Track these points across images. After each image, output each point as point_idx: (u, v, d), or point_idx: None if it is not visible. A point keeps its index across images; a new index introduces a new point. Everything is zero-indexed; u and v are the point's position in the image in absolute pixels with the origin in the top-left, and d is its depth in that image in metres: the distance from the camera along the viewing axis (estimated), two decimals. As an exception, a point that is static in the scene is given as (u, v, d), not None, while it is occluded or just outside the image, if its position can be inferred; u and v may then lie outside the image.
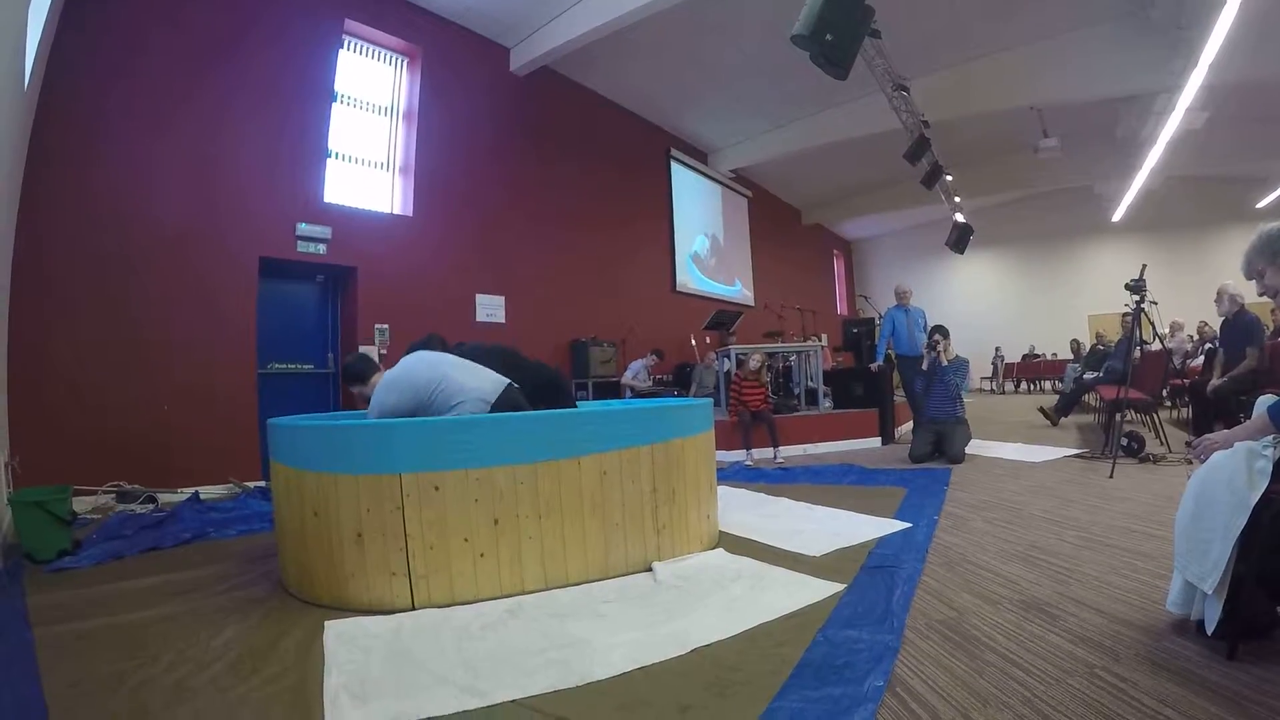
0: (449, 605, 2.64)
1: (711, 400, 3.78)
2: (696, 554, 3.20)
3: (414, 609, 2.61)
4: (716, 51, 9.22)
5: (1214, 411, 5.52)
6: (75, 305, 4.89)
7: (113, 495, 4.67)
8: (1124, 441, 5.35)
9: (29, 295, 4.54)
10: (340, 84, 6.84)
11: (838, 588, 2.66)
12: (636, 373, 9.06)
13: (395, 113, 7.51)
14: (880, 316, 11.48)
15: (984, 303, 19.44)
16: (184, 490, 5.05)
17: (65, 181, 4.88)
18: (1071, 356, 14.56)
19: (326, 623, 2.49)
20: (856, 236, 21.70)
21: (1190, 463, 4.97)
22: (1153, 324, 5.90)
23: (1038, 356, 17.62)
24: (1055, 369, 16.32)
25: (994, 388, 18.37)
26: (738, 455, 6.58)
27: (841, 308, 20.70)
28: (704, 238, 13.08)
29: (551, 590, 2.79)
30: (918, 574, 2.79)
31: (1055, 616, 2.25)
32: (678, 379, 10.33)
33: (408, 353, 3.44)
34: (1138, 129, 10.57)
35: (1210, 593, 1.86)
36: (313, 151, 6.44)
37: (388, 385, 3.14)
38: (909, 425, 8.34)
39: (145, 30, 5.34)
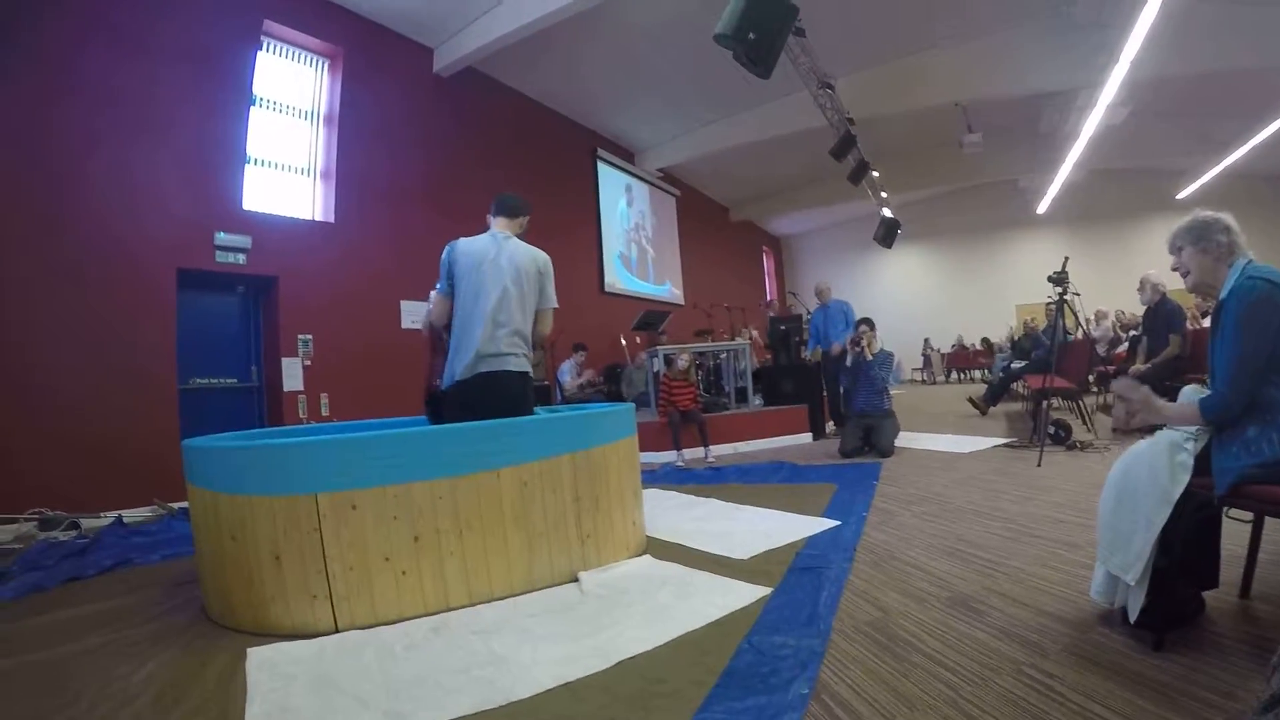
0: (373, 626, 2.65)
1: (634, 406, 3.80)
2: (623, 562, 3.26)
3: (337, 631, 2.61)
4: (642, 51, 9.30)
5: None
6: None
7: (35, 523, 4.47)
8: (1051, 430, 5.55)
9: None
10: (259, 87, 6.63)
11: (764, 591, 2.72)
12: (569, 372, 9.10)
13: (316, 116, 7.33)
14: (808, 312, 11.82)
15: (914, 295, 20.13)
16: (107, 514, 4.87)
17: None
18: (981, 348, 15.21)
19: (249, 650, 2.47)
20: (786, 233, 22.16)
21: (1103, 449, 5.30)
22: (1075, 314, 6.18)
23: (966, 347, 18.31)
24: (984, 359, 16.96)
25: (925, 378, 19.05)
26: (669, 456, 6.68)
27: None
28: (629, 239, 13.13)
29: (476, 606, 2.82)
30: (845, 574, 2.86)
31: (981, 612, 2.31)
32: (608, 380, 10.40)
33: None
34: (1060, 124, 11.06)
35: (1133, 584, 1.90)
36: (231, 157, 6.25)
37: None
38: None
39: (51, 29, 5.08)
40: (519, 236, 3.39)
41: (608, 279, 12.08)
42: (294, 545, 2.61)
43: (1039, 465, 4.89)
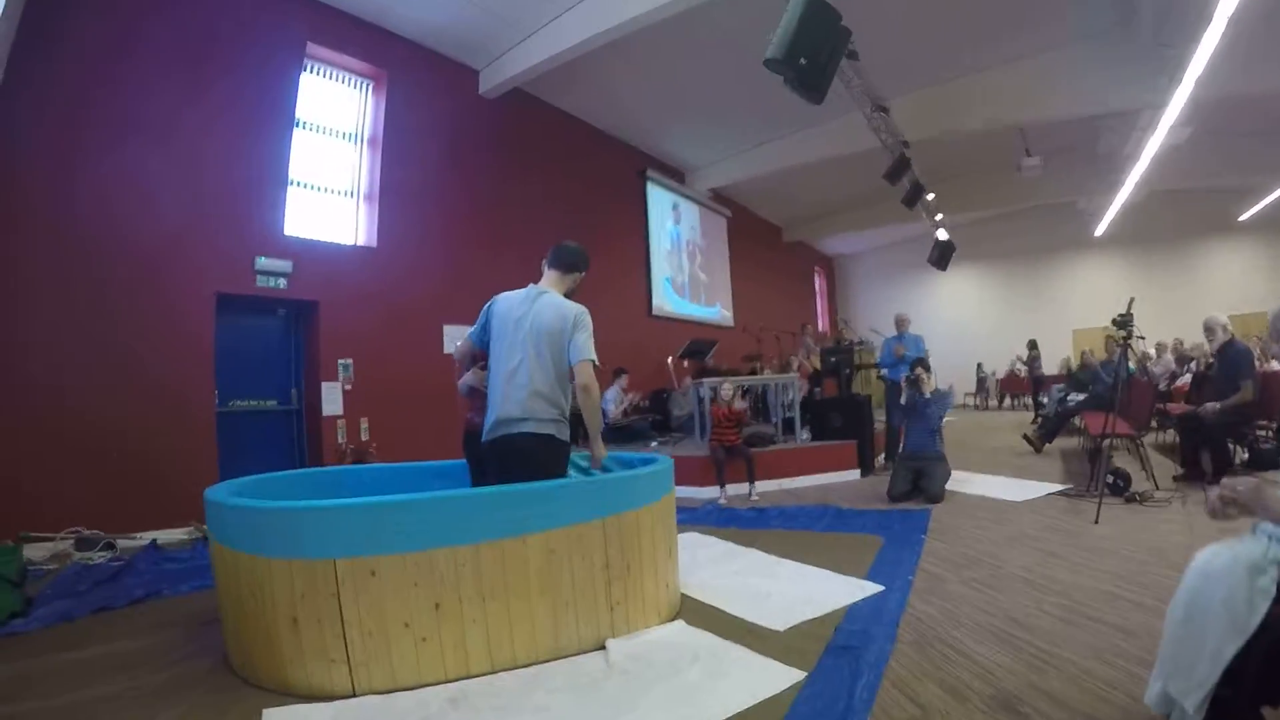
0: (390, 691, 2.56)
1: (672, 464, 3.60)
2: (654, 628, 3.11)
3: (355, 695, 2.53)
4: (692, 71, 9.17)
5: (1203, 441, 5.53)
6: (29, 345, 4.77)
7: (71, 542, 4.53)
8: (1109, 479, 5.28)
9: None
10: (302, 109, 6.70)
11: (798, 676, 2.55)
12: (613, 399, 8.98)
13: (360, 138, 7.38)
14: (858, 341, 11.56)
15: (967, 317, 19.54)
16: (143, 535, 4.93)
17: (29, 221, 4.78)
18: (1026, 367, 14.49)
19: (265, 711, 2.41)
20: (838, 252, 21.75)
21: (1177, 502, 4.97)
22: (1138, 355, 5.85)
23: (1018, 373, 17.55)
24: (1043, 386, 16.28)
25: (978, 403, 18.38)
26: (712, 492, 6.50)
27: (823, 324, 20.71)
28: (679, 260, 12.98)
29: (498, 673, 2.71)
30: (885, 657, 2.68)
31: (1025, 716, 2.14)
32: (654, 405, 10.27)
33: None
34: (1120, 145, 10.63)
35: (1191, 712, 1.72)
36: (273, 181, 6.32)
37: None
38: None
39: (101, 58, 5.20)
40: (571, 291, 3.29)
41: (655, 302, 11.95)
42: (311, 609, 2.53)
43: (1096, 522, 4.61)
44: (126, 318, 5.22)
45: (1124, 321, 5.08)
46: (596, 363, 2.98)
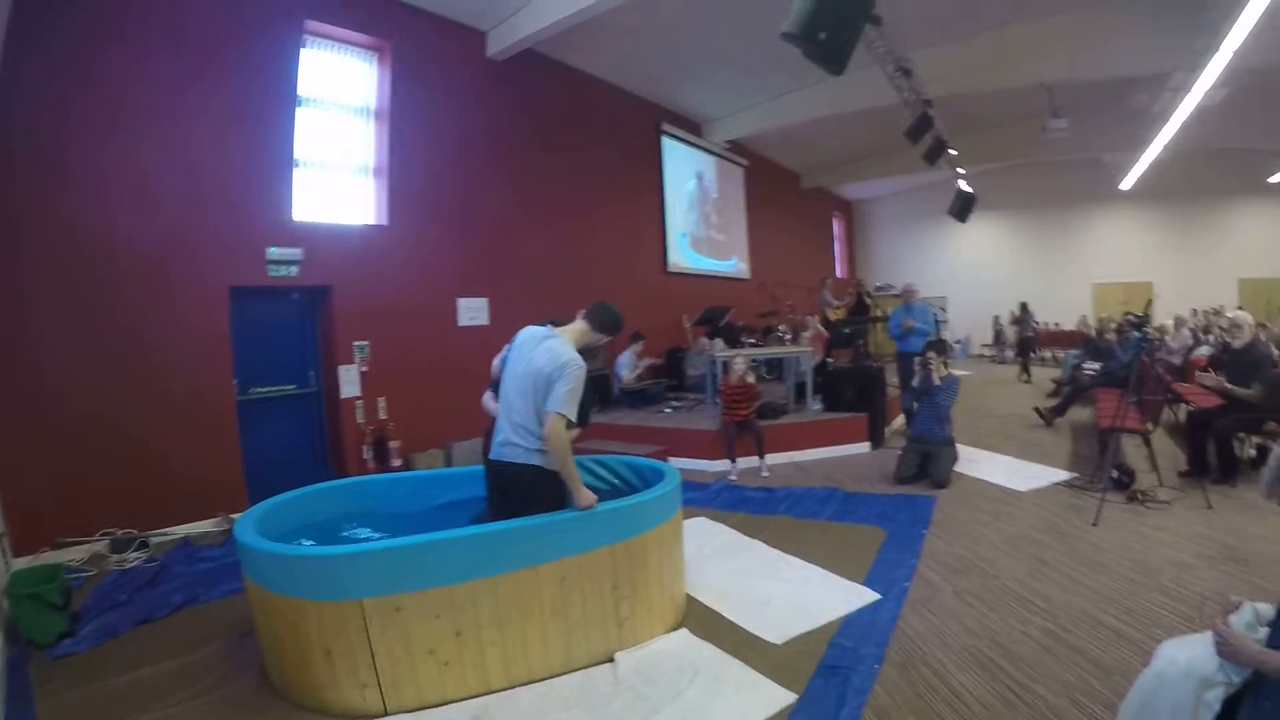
0: (418, 709, 2.81)
1: (679, 483, 3.68)
2: (659, 638, 3.33)
3: (386, 714, 2.78)
4: (709, 22, 8.80)
5: (1213, 444, 5.59)
6: (47, 344, 4.86)
7: (105, 543, 4.78)
8: (1114, 474, 5.35)
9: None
10: (306, 87, 6.59)
11: (789, 700, 2.76)
12: (626, 364, 9.11)
13: (367, 113, 7.27)
14: (869, 297, 11.52)
15: (986, 267, 19.18)
16: (174, 530, 5.17)
17: (29, 212, 4.80)
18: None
19: (305, 733, 2.65)
20: (858, 197, 21.28)
21: (1164, 503, 5.07)
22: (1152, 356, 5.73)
23: (1038, 324, 17.35)
24: (1058, 340, 16.21)
25: (995, 355, 18.25)
26: (723, 465, 6.67)
27: (841, 270, 20.49)
28: (696, 213, 12.82)
29: (515, 689, 2.94)
30: (872, 680, 2.86)
31: None
32: (669, 362, 10.38)
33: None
34: (1150, 104, 10.21)
35: None
36: (279, 166, 6.25)
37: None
38: (899, 421, 8.43)
39: (96, 48, 5.09)
40: (592, 347, 3.40)
41: (671, 258, 11.83)
42: (343, 644, 2.74)
43: (1095, 524, 4.70)
44: (142, 316, 5.28)
45: (1140, 322, 5.08)
46: (570, 418, 3.05)
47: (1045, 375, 13.05)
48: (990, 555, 4.29)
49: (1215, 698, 1.76)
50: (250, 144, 6.00)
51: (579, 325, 3.34)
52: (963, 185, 13.42)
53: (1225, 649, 1.76)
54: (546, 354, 3.11)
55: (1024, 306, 14.60)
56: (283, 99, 6.32)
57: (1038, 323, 17.01)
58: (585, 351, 3.27)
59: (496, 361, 3.63)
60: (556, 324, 3.39)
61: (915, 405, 6.32)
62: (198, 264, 5.61)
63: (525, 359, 3.18)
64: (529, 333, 3.31)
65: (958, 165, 12.62)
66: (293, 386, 6.48)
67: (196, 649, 3.39)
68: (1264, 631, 1.83)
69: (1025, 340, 14.29)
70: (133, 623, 3.69)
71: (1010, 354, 14.31)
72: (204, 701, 2.92)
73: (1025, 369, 13.67)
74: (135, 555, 4.69)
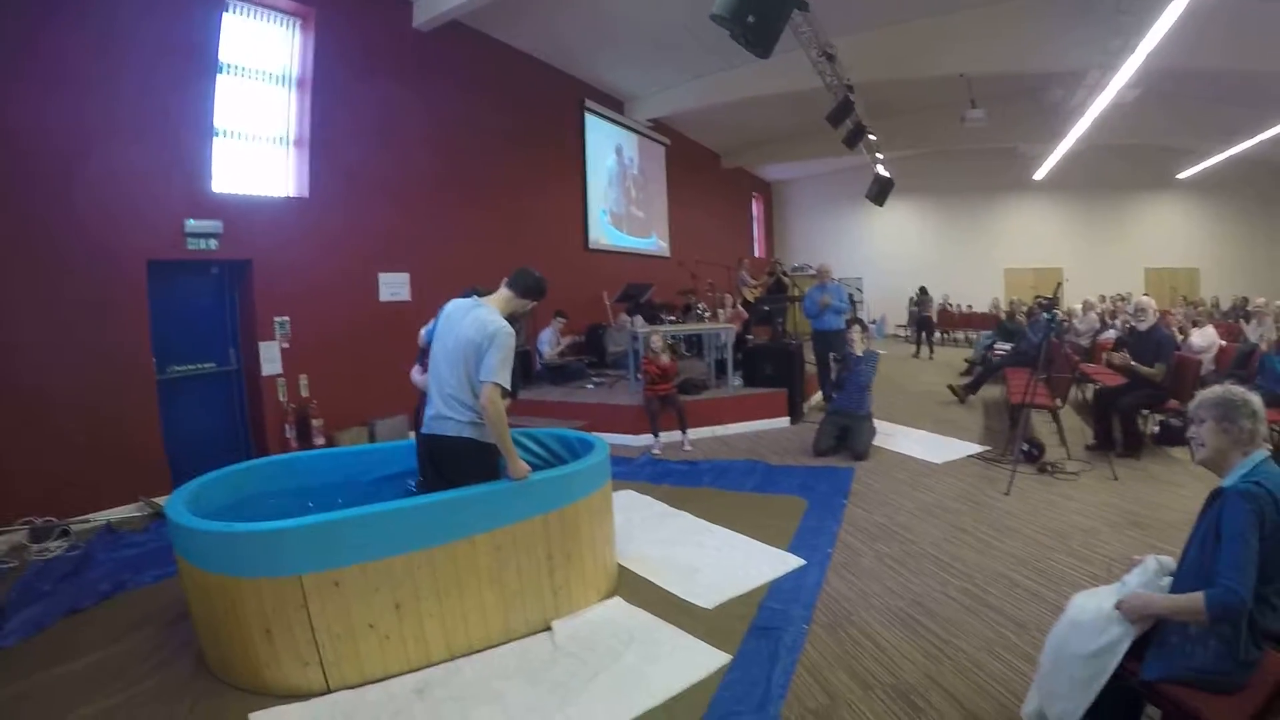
0: (361, 685, 2.88)
1: (609, 455, 3.82)
2: (594, 606, 3.49)
3: (329, 691, 2.84)
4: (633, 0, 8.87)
5: (1118, 418, 6.05)
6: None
7: (25, 533, 4.57)
8: (1024, 447, 5.71)
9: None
10: (226, 53, 6.29)
11: (723, 660, 2.95)
12: (548, 341, 9.16)
13: (289, 81, 7.01)
14: (785, 275, 11.91)
15: (903, 250, 19.93)
16: (95, 517, 4.99)
17: None
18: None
19: (250, 716, 2.69)
20: (777, 178, 21.73)
21: (1072, 475, 5.46)
22: (1060, 337, 6.10)
23: (951, 308, 18.17)
24: (971, 322, 17.11)
25: (909, 335, 19.07)
26: (647, 440, 6.85)
27: (760, 250, 20.93)
28: (616, 191, 12.88)
29: (456, 660, 3.06)
30: (801, 640, 3.08)
31: (920, 710, 2.53)
32: (589, 339, 10.48)
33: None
34: (1066, 99, 10.79)
35: None
36: (198, 135, 5.98)
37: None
38: (817, 397, 8.82)
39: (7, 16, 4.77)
40: (518, 313, 3.41)
41: (592, 235, 11.90)
42: (283, 620, 2.78)
43: (1007, 493, 5.05)
44: (55, 290, 5.03)
45: (1050, 304, 5.47)
46: (505, 386, 3.10)
47: (957, 355, 13.84)
48: (908, 522, 4.58)
49: (1118, 637, 1.98)
50: (168, 112, 5.72)
51: (503, 293, 3.37)
52: (881, 170, 13.93)
53: (1133, 612, 1.97)
54: (474, 324, 3.14)
55: (922, 290, 15.74)
56: (203, 65, 6.04)
57: (951, 305, 17.96)
58: (512, 319, 3.31)
59: (423, 332, 3.63)
60: (479, 292, 3.43)
61: (838, 381, 6.61)
62: (114, 237, 5.34)
63: (453, 331, 3.20)
64: (455, 304, 3.34)
65: (877, 150, 13.09)
66: (212, 364, 6.28)
67: (128, 636, 3.34)
68: (1167, 580, 2.09)
69: (923, 320, 15.39)
70: (60, 613, 3.58)
71: (925, 334, 15.23)
72: (142, 689, 2.89)
73: (922, 346, 14.98)
74: (57, 544, 4.51)
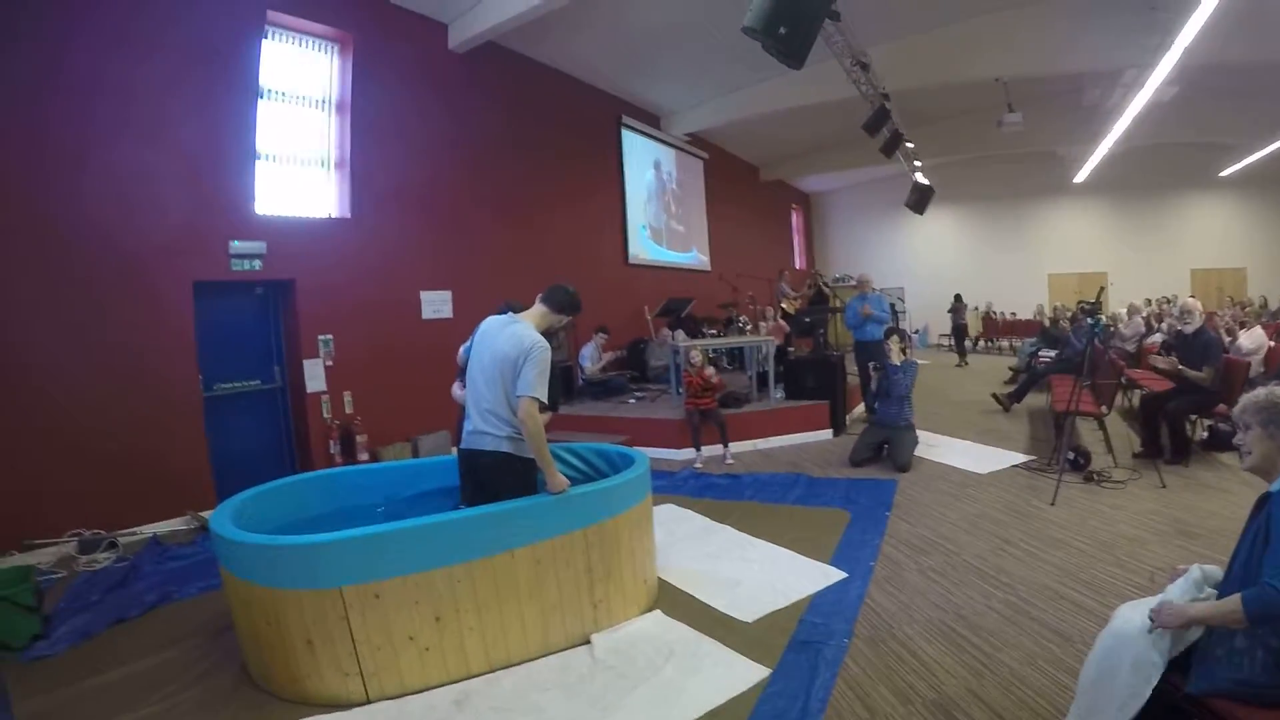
0: (401, 696, 2.86)
1: (649, 468, 3.77)
2: (634, 620, 3.43)
3: (369, 701, 2.83)
4: (669, 15, 8.91)
5: (1165, 424, 5.83)
6: (7, 345, 4.74)
7: (74, 545, 4.70)
8: (1070, 455, 5.54)
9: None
10: (268, 78, 6.50)
11: (763, 674, 2.87)
12: (589, 356, 9.18)
13: (328, 105, 7.20)
14: (828, 287, 11.78)
15: (943, 258, 19.62)
16: (143, 530, 5.11)
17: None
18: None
19: (290, 725, 2.69)
20: (816, 190, 21.62)
21: (1119, 483, 5.27)
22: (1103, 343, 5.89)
23: (994, 316, 17.79)
24: (1015, 330, 16.68)
25: (952, 345, 18.69)
26: (689, 454, 6.79)
27: (800, 262, 20.77)
28: (655, 206, 12.92)
29: (496, 672, 3.02)
30: (842, 654, 2.99)
31: None
32: (631, 354, 10.48)
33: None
34: (1104, 99, 10.59)
35: None
36: (241, 159, 6.17)
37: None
38: (860, 409, 8.66)
39: (63, 47, 4.99)
40: (554, 328, 3.43)
41: (632, 250, 11.93)
42: (324, 631, 2.78)
43: (1052, 503, 4.89)
44: (107, 314, 5.20)
45: (1093, 309, 5.31)
46: (543, 400, 3.10)
47: (1001, 363, 13.48)
48: (952, 534, 4.45)
49: (1166, 647, 1.88)
50: (212, 137, 5.93)
51: (538, 309, 3.38)
52: (919, 178, 13.75)
53: (1170, 622, 1.87)
54: (511, 340, 3.16)
55: (958, 298, 15.43)
56: (244, 91, 6.24)
57: (995, 312, 17.57)
58: (547, 334, 3.32)
59: (462, 351, 3.68)
60: (514, 308, 3.46)
61: (877, 394, 6.48)
62: (161, 259, 5.53)
63: (490, 347, 3.23)
64: (491, 321, 3.37)
65: (915, 158, 12.93)
66: (257, 382, 6.42)
67: (173, 646, 3.39)
68: (1210, 592, 1.97)
69: (959, 328, 15.21)
70: (107, 623, 3.66)
71: (948, 341, 15.07)
72: (185, 698, 2.92)
73: (961, 354, 14.82)
74: (105, 556, 4.63)
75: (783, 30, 5.37)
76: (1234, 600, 1.76)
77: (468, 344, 3.56)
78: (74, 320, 5.06)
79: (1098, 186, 16.98)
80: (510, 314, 3.36)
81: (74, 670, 3.20)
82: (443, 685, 2.92)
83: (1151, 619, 1.91)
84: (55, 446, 4.86)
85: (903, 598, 3.56)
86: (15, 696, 2.99)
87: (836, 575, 3.85)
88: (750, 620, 3.38)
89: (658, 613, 3.53)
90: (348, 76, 7.22)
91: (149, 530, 5.13)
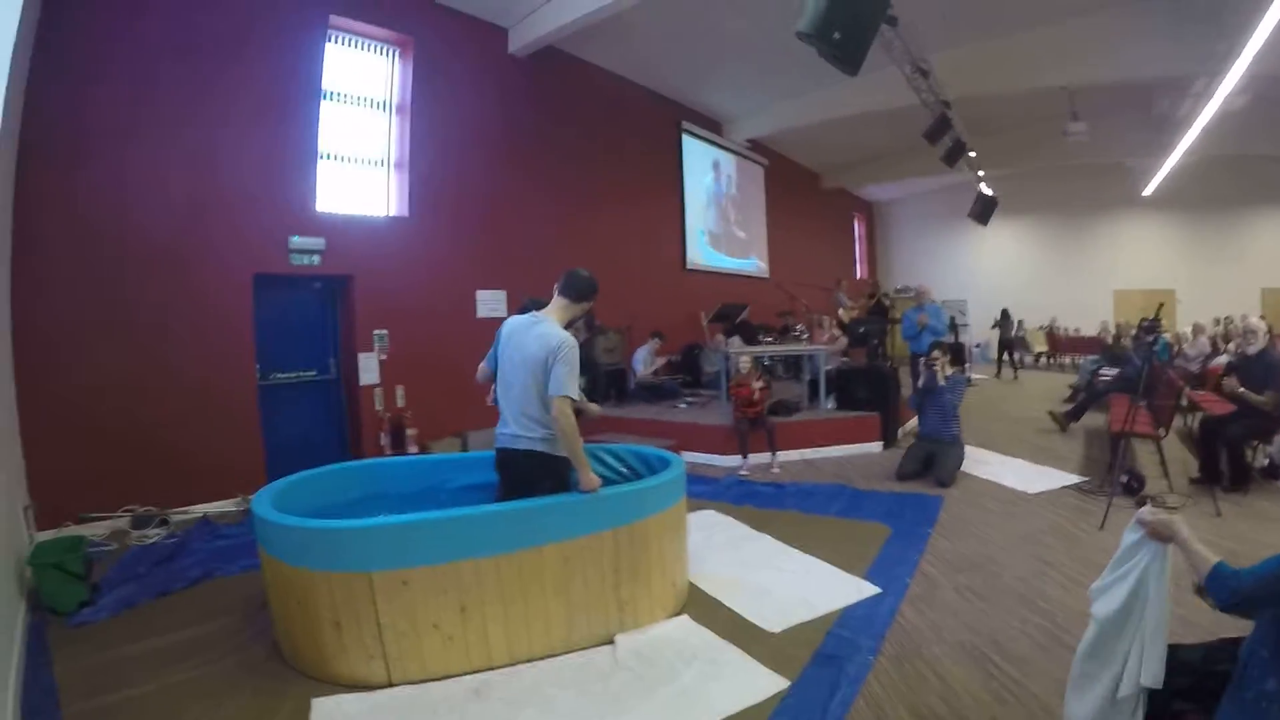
0: (423, 681, 2.90)
1: (684, 472, 3.72)
2: (660, 623, 3.39)
3: (391, 684, 2.87)
4: (730, 21, 8.86)
5: (1224, 449, 5.51)
6: (74, 326, 5.00)
7: (127, 520, 4.93)
8: (1124, 478, 5.31)
9: (29, 317, 4.73)
10: (330, 80, 6.73)
11: (782, 685, 2.80)
12: (642, 360, 9.19)
13: (389, 106, 7.42)
14: (887, 298, 11.52)
15: (1006, 271, 18.96)
16: (194, 509, 5.33)
17: (56, 196, 4.92)
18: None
19: (313, 700, 2.77)
20: (878, 199, 21.19)
21: (1172, 509, 4.97)
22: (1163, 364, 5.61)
23: (1057, 332, 17.05)
24: (1077, 347, 16.01)
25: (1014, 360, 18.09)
26: (736, 460, 6.70)
27: (862, 271, 20.40)
28: (715, 212, 12.86)
29: (517, 665, 3.03)
30: (866, 671, 2.89)
31: None
32: (685, 358, 10.44)
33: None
34: (1173, 110, 10.12)
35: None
36: (303, 157, 6.41)
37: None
38: (914, 422, 8.40)
39: (126, 46, 5.26)
40: (576, 319, 3.42)
41: (690, 256, 11.90)
42: (351, 614, 2.83)
43: (1101, 528, 4.65)
44: (169, 302, 5.44)
45: (1153, 326, 5.05)
46: (575, 397, 3.09)
47: (1062, 381, 12.91)
48: (994, 554, 4.27)
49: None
50: (275, 137, 6.16)
51: (558, 302, 3.37)
52: (983, 188, 13.33)
53: (1159, 528, 1.92)
54: (538, 341, 3.16)
55: (1004, 312, 14.95)
56: (307, 93, 6.47)
57: (1059, 328, 16.83)
58: (572, 325, 3.32)
59: (483, 365, 3.59)
60: (537, 305, 3.46)
61: (919, 405, 6.29)
62: (222, 252, 5.77)
63: (520, 349, 3.23)
64: (516, 323, 3.36)
65: (978, 168, 12.55)
66: (313, 373, 6.63)
67: (211, 620, 3.51)
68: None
69: (1005, 342, 14.73)
70: (151, 594, 3.82)
71: (1009, 356, 14.48)
72: (213, 669, 3.03)
73: (1010, 368, 14.52)
74: (156, 531, 4.84)
75: (837, 35, 5.28)
76: (1209, 560, 1.83)
77: (491, 354, 3.50)
78: (138, 309, 5.31)
79: (1167, 200, 16.16)
80: (533, 314, 3.36)
81: (113, 637, 3.35)
82: (463, 674, 2.94)
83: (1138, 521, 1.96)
84: (114, 427, 5.08)
85: (934, 617, 3.42)
86: (56, 657, 3.15)
87: (870, 590, 3.73)
88: (777, 630, 3.31)
89: (685, 617, 3.48)
90: (408, 79, 7.42)
91: (200, 509, 5.34)
